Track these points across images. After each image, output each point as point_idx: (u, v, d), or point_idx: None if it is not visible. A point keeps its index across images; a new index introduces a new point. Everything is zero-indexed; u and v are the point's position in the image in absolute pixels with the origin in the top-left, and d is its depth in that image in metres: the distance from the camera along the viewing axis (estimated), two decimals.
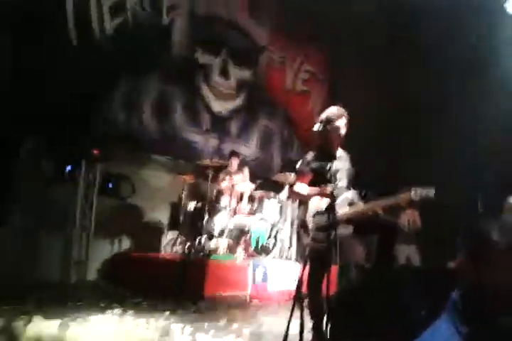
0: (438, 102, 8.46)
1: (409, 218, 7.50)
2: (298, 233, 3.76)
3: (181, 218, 5.98)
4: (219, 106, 8.11)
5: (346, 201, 3.69)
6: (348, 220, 3.60)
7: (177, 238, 5.89)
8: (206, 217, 5.94)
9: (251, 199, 6.71)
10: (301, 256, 3.79)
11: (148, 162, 6.92)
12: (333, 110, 3.71)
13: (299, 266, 5.76)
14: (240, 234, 5.93)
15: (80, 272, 5.91)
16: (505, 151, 7.19)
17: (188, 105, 7.64)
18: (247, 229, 5.93)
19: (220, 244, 5.78)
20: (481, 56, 7.63)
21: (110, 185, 6.46)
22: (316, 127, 3.62)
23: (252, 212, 6.49)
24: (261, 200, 6.56)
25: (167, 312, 4.39)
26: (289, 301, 5.34)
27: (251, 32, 8.80)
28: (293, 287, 5.41)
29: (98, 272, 6.04)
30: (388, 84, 8.76)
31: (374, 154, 7.73)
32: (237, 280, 5.27)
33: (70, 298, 4.75)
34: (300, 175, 3.72)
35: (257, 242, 5.90)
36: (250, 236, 5.87)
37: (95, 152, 6.22)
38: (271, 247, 5.83)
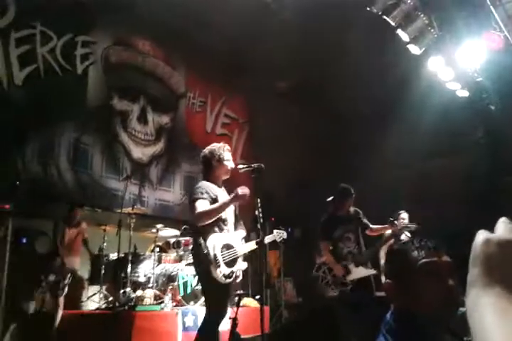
0: (347, 148, 8.94)
1: None
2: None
3: (103, 270, 5.66)
4: (139, 153, 7.98)
5: (240, 238, 3.80)
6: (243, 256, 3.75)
7: (99, 292, 5.55)
8: (129, 267, 5.68)
9: (177, 245, 6.51)
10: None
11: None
12: (216, 144, 3.91)
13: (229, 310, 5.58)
14: (166, 282, 5.69)
15: None
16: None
17: (107, 153, 7.47)
18: (173, 275, 5.70)
19: (146, 293, 5.51)
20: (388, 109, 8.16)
21: (24, 241, 6.06)
22: (201, 158, 3.80)
23: (178, 259, 6.29)
24: (187, 246, 6.38)
25: None
26: None
27: (168, 79, 8.86)
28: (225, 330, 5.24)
29: (13, 337, 5.51)
30: (302, 129, 9.15)
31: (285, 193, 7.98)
32: (166, 331, 5.00)
33: None
34: (199, 201, 3.58)
35: (185, 289, 5.67)
36: (178, 284, 5.64)
37: (6, 206, 5.85)
38: (200, 293, 5.60)
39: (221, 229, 3.62)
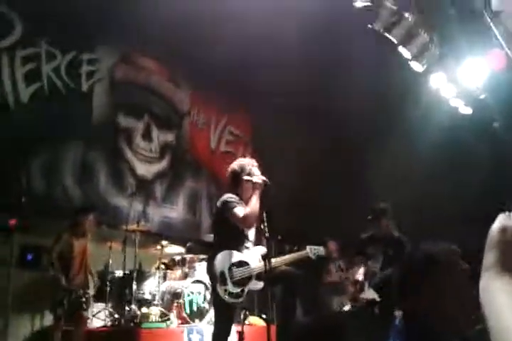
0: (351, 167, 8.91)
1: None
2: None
3: (108, 287, 5.63)
4: (143, 170, 8.00)
5: (259, 254, 3.66)
6: (260, 274, 3.57)
7: (105, 308, 5.51)
8: (135, 284, 5.64)
9: (182, 262, 6.49)
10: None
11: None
12: (244, 159, 3.92)
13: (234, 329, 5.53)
14: (172, 299, 5.65)
15: None
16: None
17: (112, 170, 7.49)
18: (178, 293, 5.67)
19: (152, 311, 5.47)
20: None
21: (29, 257, 6.04)
22: (230, 173, 3.79)
23: (183, 276, 6.26)
24: (192, 263, 6.35)
25: None
26: None
27: (172, 97, 8.93)
28: None
29: None
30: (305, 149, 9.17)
31: (286, 212, 7.96)
32: None
33: None
34: (237, 208, 3.58)
35: (191, 306, 5.62)
36: (183, 301, 5.60)
37: (12, 222, 5.82)
38: (206, 310, 5.56)
39: (240, 246, 3.57)
